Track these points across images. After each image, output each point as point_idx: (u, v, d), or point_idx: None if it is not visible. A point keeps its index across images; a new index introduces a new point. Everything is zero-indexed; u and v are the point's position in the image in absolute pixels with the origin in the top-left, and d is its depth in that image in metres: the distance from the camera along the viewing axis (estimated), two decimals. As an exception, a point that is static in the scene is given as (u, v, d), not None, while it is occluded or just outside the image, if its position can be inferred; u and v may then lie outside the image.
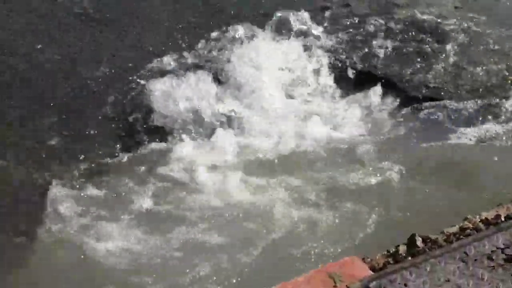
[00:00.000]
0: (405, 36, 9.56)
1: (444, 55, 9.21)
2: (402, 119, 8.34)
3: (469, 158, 7.67)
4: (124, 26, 9.70)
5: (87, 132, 8.14)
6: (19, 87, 8.64)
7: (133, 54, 9.16)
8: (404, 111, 8.49)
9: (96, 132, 8.18)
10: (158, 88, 8.43)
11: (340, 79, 8.94)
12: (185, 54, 9.02)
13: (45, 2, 10.15)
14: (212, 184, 7.42)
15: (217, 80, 8.68)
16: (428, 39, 9.48)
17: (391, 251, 5.32)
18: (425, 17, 9.90)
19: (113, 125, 8.25)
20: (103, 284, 6.30)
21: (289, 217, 7.00)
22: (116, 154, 7.87)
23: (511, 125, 8.12)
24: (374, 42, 9.45)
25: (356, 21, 9.82)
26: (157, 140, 8.04)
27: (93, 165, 7.70)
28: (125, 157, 7.83)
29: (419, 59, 9.17)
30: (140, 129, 8.21)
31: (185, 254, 6.58)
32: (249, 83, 8.59)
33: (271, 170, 7.64)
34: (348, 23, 9.81)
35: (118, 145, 8.01)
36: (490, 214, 5.54)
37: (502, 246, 4.95)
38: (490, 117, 8.26)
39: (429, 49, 9.30)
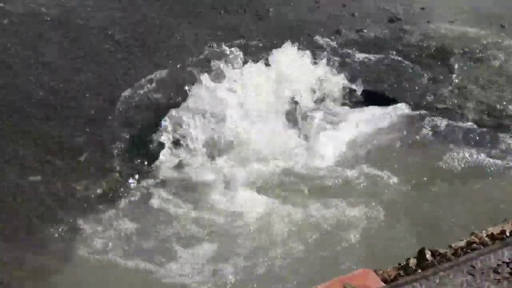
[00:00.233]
0: (415, 59, 9.54)
1: (451, 77, 9.19)
2: (410, 137, 8.30)
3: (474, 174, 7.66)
4: (154, 52, 9.72)
5: (113, 149, 8.14)
6: (56, 106, 8.72)
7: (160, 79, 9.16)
8: (413, 130, 8.42)
9: (121, 148, 8.18)
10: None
11: (351, 98, 8.95)
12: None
13: (82, 29, 10.23)
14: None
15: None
16: (436, 62, 9.47)
17: (402, 264, 5.33)
18: (433, 42, 9.88)
19: (135, 143, 8.26)
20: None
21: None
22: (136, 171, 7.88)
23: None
24: (384, 64, 9.45)
25: (367, 44, 9.83)
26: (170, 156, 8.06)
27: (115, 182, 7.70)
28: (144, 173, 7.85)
29: (427, 81, 9.15)
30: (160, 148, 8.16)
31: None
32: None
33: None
34: (359, 46, 9.79)
35: (140, 161, 8.01)
36: (495, 229, 5.53)
37: (508, 260, 4.94)
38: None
39: (436, 72, 9.29)
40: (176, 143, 8.18)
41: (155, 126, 8.37)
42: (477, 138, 8.20)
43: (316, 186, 7.61)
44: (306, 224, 7.10)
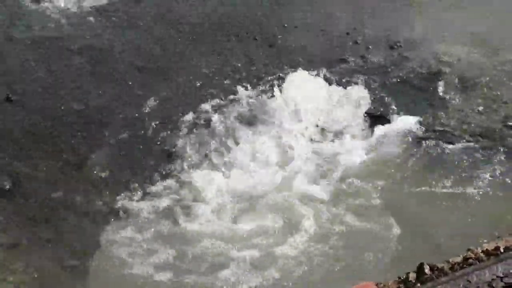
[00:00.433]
0: (414, 84, 9.60)
1: (448, 101, 9.23)
2: (411, 157, 8.37)
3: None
4: (169, 76, 9.82)
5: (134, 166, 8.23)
6: (80, 125, 8.87)
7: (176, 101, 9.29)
8: (414, 149, 8.51)
9: (142, 164, 8.26)
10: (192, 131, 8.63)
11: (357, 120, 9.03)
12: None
13: (104, 55, 10.30)
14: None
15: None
16: (434, 86, 9.51)
17: (402, 278, 5.44)
18: (431, 68, 9.93)
19: (151, 159, 8.38)
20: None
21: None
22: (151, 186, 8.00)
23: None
24: (386, 87, 9.50)
25: (371, 71, 9.88)
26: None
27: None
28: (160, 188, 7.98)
29: (426, 105, 9.21)
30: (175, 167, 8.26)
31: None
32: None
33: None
34: (363, 72, 9.86)
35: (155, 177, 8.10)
36: (490, 246, 5.61)
37: (501, 275, 5.04)
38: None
39: (434, 96, 9.34)
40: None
41: (170, 143, 8.48)
42: (472, 157, 8.28)
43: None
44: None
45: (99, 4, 11.68)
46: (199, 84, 9.62)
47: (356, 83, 9.54)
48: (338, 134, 8.87)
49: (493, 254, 5.43)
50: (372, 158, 8.34)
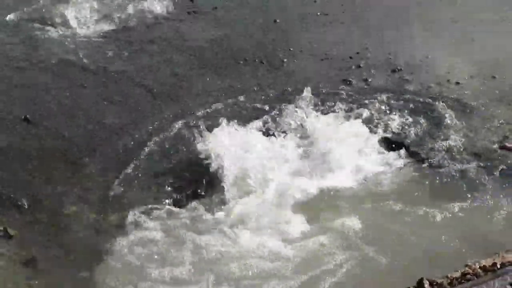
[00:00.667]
0: (414, 107, 9.61)
1: (447, 124, 9.27)
2: (414, 179, 8.36)
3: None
4: (180, 99, 9.88)
5: (142, 183, 8.27)
6: (91, 146, 8.87)
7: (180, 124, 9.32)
8: (416, 171, 8.49)
9: (150, 183, 8.29)
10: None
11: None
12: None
13: (116, 78, 10.44)
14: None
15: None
16: (433, 110, 9.55)
17: (403, 292, 5.47)
18: (431, 91, 10.01)
19: (163, 177, 8.37)
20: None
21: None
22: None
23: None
24: (390, 111, 9.51)
25: (373, 93, 9.91)
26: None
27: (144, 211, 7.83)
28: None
29: (426, 127, 9.22)
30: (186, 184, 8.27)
31: None
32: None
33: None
34: (366, 94, 9.89)
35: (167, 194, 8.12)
36: (488, 262, 5.66)
37: (498, 290, 5.07)
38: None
39: (434, 119, 9.36)
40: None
41: (180, 167, 8.52)
42: (470, 176, 8.27)
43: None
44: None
45: (113, 29, 11.87)
46: (208, 105, 9.67)
47: (359, 105, 9.52)
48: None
49: (490, 270, 5.47)
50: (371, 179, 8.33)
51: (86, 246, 7.33)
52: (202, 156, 8.48)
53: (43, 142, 8.90)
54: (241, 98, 9.78)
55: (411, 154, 8.74)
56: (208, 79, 10.34)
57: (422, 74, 10.44)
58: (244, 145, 8.52)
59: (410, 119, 9.33)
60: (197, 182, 8.27)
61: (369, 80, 10.32)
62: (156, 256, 7.18)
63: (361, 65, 10.72)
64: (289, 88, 9.98)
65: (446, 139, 8.96)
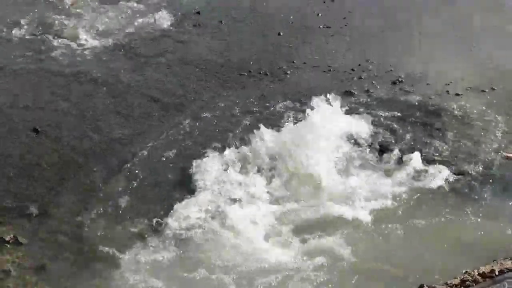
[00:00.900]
0: (415, 117, 9.67)
1: (446, 133, 9.32)
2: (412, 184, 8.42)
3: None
4: (187, 109, 9.94)
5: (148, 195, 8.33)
6: (99, 155, 8.94)
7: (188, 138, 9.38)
8: (413, 176, 8.54)
9: (159, 193, 8.34)
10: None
11: (364, 152, 9.04)
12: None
13: (123, 89, 10.48)
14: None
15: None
16: (433, 119, 9.62)
17: (404, 298, 5.49)
18: (430, 102, 10.05)
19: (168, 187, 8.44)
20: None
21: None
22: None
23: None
24: (389, 120, 9.57)
25: (375, 104, 9.98)
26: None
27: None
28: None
29: (427, 136, 9.27)
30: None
31: None
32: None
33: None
34: (367, 105, 9.96)
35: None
36: (486, 269, 5.68)
37: (496, 296, 5.09)
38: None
39: (434, 129, 9.42)
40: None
41: (184, 172, 8.59)
42: (467, 185, 8.36)
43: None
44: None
45: (121, 42, 11.91)
46: (213, 116, 9.73)
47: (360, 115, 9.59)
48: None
49: (488, 277, 5.49)
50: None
51: (94, 253, 7.38)
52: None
53: (51, 152, 8.95)
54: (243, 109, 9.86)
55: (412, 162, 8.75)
56: (213, 90, 10.38)
57: (423, 85, 10.47)
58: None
59: (410, 129, 9.41)
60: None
61: (371, 91, 10.36)
62: (165, 263, 7.24)
63: (363, 77, 10.76)
64: (293, 100, 10.02)
65: (446, 149, 9.02)
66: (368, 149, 8.98)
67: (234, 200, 8.10)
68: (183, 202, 8.08)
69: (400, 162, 8.74)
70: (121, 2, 13.17)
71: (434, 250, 7.21)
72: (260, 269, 7.13)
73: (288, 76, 10.88)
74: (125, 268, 7.18)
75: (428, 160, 8.78)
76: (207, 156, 8.77)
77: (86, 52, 11.51)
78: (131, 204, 8.14)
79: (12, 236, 7.52)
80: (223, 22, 12.72)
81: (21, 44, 11.66)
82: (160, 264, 7.25)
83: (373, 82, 10.65)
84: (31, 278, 7.01)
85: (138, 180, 8.54)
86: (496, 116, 9.68)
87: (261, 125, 9.04)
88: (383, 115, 9.66)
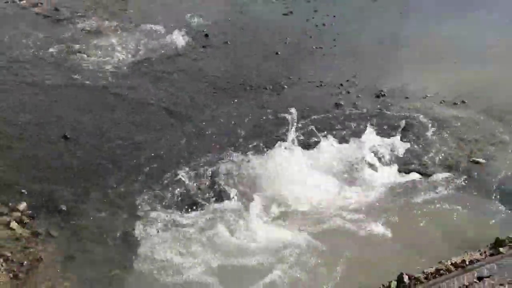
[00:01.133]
0: (395, 126, 9.65)
1: (424, 140, 9.30)
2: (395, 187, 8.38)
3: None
4: (196, 119, 9.91)
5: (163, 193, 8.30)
6: (117, 162, 8.91)
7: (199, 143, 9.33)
8: (395, 179, 8.52)
9: (172, 193, 8.32)
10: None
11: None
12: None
13: (140, 101, 10.46)
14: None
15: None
16: (411, 129, 9.59)
17: (385, 285, 5.49)
18: (409, 113, 10.06)
19: (181, 188, 8.37)
20: None
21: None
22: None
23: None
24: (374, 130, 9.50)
25: (361, 115, 9.98)
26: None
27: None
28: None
29: (405, 143, 9.23)
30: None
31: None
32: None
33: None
34: (354, 116, 9.95)
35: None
36: (458, 259, 5.67)
37: (467, 284, 5.08)
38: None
39: (412, 137, 9.39)
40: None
41: (195, 177, 8.52)
42: (442, 186, 8.31)
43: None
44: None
45: (139, 60, 11.95)
46: (221, 125, 9.71)
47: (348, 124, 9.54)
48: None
49: (460, 266, 5.48)
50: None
51: (118, 246, 7.37)
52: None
53: (79, 156, 8.94)
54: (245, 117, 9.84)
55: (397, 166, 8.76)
56: (220, 102, 10.37)
57: (402, 99, 10.46)
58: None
59: (391, 136, 9.37)
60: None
61: (357, 103, 10.34)
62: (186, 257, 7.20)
63: (350, 91, 10.76)
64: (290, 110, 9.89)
65: (422, 153, 8.99)
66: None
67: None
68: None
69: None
70: (140, 25, 13.16)
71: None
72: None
73: (285, 90, 10.88)
74: (142, 259, 7.16)
75: (409, 164, 8.76)
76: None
77: (109, 69, 11.52)
78: (147, 202, 8.09)
79: (44, 229, 7.50)
80: (228, 43, 12.72)
81: (53, 63, 11.66)
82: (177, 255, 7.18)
83: (359, 95, 10.64)
84: (61, 266, 6.99)
85: (154, 180, 8.49)
86: (466, 126, 9.63)
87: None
88: (365, 123, 9.56)
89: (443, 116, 9.85)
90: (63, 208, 7.91)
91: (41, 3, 14.27)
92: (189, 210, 7.91)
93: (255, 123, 9.66)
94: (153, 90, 10.78)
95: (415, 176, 8.41)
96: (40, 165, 8.69)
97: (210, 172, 8.48)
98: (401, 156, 8.87)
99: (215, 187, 8.23)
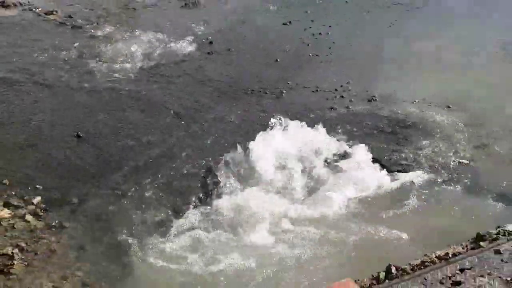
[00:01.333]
0: (384, 128, 9.67)
1: (411, 141, 9.30)
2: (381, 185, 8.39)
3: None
4: (201, 120, 9.92)
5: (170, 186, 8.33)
6: (130, 159, 8.92)
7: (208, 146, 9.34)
8: (385, 178, 8.51)
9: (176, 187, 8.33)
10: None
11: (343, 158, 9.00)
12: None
13: (149, 103, 10.50)
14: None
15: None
16: (400, 130, 9.61)
17: (374, 276, 5.52)
18: (398, 116, 10.06)
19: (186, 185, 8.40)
20: None
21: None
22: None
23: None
24: (363, 131, 9.54)
25: (352, 118, 9.97)
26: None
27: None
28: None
29: (394, 144, 9.26)
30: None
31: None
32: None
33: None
34: (346, 118, 9.95)
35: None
36: (442, 252, 5.69)
37: (450, 275, 5.12)
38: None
39: (400, 138, 9.40)
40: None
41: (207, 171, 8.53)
42: (429, 185, 8.34)
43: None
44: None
45: (148, 65, 11.98)
46: (224, 125, 9.75)
47: (341, 126, 9.53)
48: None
49: (444, 259, 5.51)
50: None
51: (127, 238, 7.37)
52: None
53: (91, 154, 8.96)
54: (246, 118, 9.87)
55: (381, 165, 8.75)
56: (223, 105, 10.38)
57: (392, 103, 10.47)
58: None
59: (381, 138, 9.39)
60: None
61: (350, 107, 10.35)
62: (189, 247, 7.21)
63: (344, 96, 10.77)
64: (288, 112, 9.96)
65: (410, 155, 9.01)
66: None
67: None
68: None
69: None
70: (148, 33, 13.21)
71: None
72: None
73: (284, 94, 10.88)
74: (153, 250, 7.18)
75: (395, 163, 8.77)
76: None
77: (119, 73, 11.55)
78: (155, 196, 8.13)
79: (57, 221, 7.54)
80: (231, 49, 12.75)
81: (67, 66, 11.71)
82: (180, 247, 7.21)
83: (352, 100, 10.66)
84: (73, 256, 7.03)
85: (160, 175, 8.52)
86: (453, 129, 9.64)
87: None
88: (357, 126, 9.58)
89: (432, 120, 9.86)
90: (75, 202, 7.94)
91: (56, 11, 14.31)
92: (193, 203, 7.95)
93: (256, 124, 9.66)
94: (161, 93, 10.79)
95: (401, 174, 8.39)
96: (54, 162, 8.72)
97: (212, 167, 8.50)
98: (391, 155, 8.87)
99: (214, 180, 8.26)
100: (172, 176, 8.49)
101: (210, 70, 11.78)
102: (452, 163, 8.74)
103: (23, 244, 7.00)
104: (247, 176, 8.27)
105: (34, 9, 14.53)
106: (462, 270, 4.94)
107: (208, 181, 8.34)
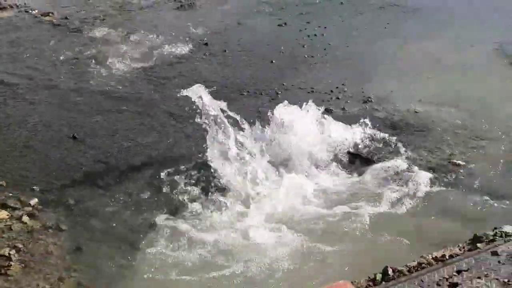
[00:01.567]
0: (380, 129, 9.63)
1: (406, 142, 9.28)
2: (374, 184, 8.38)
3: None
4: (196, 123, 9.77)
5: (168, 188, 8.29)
6: (125, 163, 8.91)
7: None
8: (379, 179, 8.49)
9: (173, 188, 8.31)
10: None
11: (337, 160, 8.98)
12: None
13: (146, 104, 10.48)
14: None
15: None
16: (395, 131, 9.58)
17: (371, 277, 5.50)
18: (394, 118, 10.01)
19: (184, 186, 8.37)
20: None
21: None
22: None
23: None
24: (359, 132, 9.50)
25: (347, 117, 9.93)
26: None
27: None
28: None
29: (390, 145, 9.23)
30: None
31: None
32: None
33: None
34: (342, 119, 9.92)
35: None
36: (438, 253, 5.68)
37: (447, 276, 5.10)
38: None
39: (396, 139, 9.36)
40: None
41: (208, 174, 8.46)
42: (425, 185, 8.30)
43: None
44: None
45: (144, 66, 11.98)
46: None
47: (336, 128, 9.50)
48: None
49: (440, 260, 5.49)
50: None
51: (123, 238, 7.35)
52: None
53: (87, 156, 8.95)
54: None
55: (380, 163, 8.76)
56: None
57: (388, 104, 10.44)
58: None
59: (378, 138, 9.36)
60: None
61: (346, 109, 10.34)
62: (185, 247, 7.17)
63: (340, 97, 10.75)
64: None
65: (406, 155, 8.98)
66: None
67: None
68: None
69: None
70: (145, 35, 13.22)
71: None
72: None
73: (279, 96, 10.84)
74: (151, 251, 7.14)
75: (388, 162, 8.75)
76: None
77: (117, 74, 11.54)
78: (151, 198, 8.11)
79: (54, 222, 7.50)
80: (226, 51, 12.74)
81: (63, 68, 11.68)
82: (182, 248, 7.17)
83: (348, 101, 10.64)
84: (69, 258, 6.99)
85: (157, 176, 8.48)
86: (447, 130, 9.64)
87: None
88: (353, 127, 9.54)
89: (427, 121, 9.83)
90: (72, 203, 7.92)
91: (52, 13, 14.26)
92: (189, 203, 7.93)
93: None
94: (157, 94, 10.78)
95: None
96: (50, 163, 8.70)
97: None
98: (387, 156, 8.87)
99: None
100: (169, 176, 8.43)
101: (205, 71, 11.75)
102: (448, 164, 8.69)
103: (20, 246, 6.97)
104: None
105: (30, 11, 14.47)
106: (459, 272, 4.93)
107: (205, 180, 8.27)
